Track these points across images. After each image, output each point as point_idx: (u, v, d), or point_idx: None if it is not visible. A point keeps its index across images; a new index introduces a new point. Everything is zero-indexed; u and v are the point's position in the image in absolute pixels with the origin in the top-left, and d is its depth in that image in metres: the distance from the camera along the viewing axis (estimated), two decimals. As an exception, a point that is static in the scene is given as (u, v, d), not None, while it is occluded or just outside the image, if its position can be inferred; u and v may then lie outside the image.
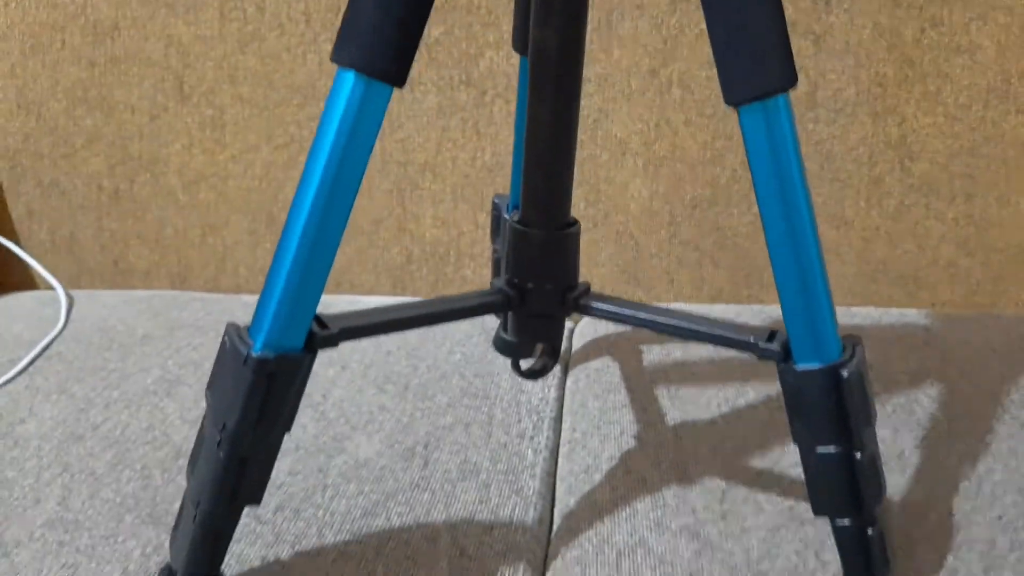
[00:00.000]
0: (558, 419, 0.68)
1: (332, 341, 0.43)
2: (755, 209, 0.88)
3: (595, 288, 0.87)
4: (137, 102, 0.88)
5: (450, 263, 0.89)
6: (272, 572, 0.49)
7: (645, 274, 0.87)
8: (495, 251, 0.69)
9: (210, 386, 0.43)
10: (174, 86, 0.88)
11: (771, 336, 0.45)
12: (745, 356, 0.73)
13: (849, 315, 0.79)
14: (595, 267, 0.87)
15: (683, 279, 0.87)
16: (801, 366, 0.43)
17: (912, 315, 0.78)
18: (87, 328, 0.77)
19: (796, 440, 0.45)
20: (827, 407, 0.43)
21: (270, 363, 0.41)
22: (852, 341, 0.44)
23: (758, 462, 0.59)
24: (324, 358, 0.72)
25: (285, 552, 0.51)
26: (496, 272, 0.73)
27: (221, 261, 0.92)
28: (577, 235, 0.50)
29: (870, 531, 0.45)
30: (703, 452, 0.60)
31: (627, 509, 0.56)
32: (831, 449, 0.44)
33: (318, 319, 0.43)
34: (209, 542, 0.43)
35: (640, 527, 0.54)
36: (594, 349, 0.76)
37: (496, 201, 0.67)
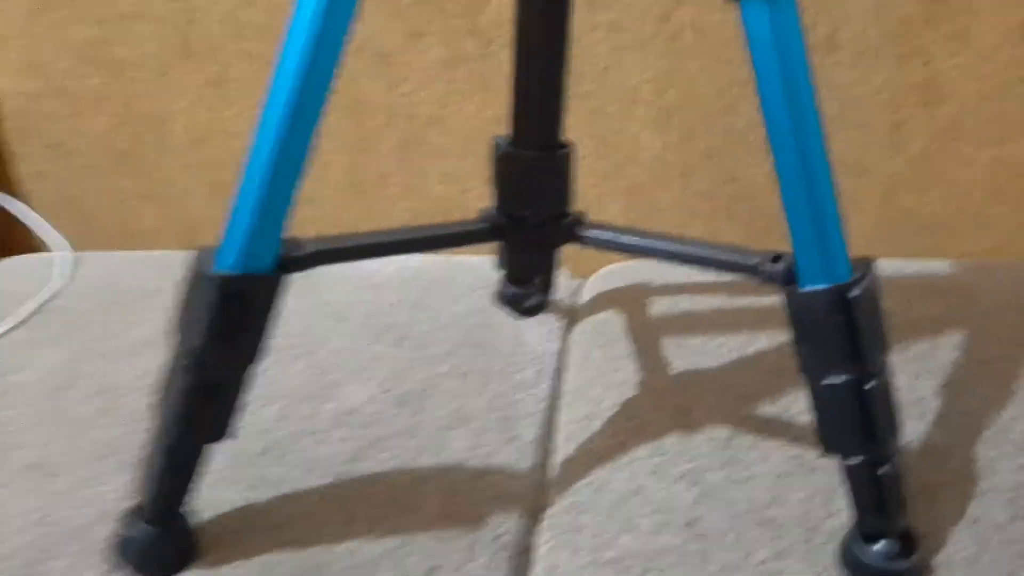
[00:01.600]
0: (560, 370, 0.65)
1: (304, 263, 0.41)
2: (771, 158, 0.85)
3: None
4: (143, 60, 0.87)
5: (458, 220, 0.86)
6: (249, 515, 0.47)
7: (657, 227, 0.83)
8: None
9: (177, 312, 0.41)
10: (180, 43, 0.87)
11: (776, 258, 0.42)
12: (758, 303, 0.70)
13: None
14: (607, 219, 0.84)
15: (697, 233, 0.83)
16: (807, 288, 0.40)
17: (936, 265, 0.74)
18: (91, 285, 0.77)
19: (803, 371, 0.42)
20: (835, 332, 0.40)
21: (236, 281, 0.39)
22: (864, 262, 0.41)
23: (766, 410, 0.56)
24: (321, 309, 0.70)
25: (265, 495, 0.49)
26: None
27: (226, 221, 0.91)
28: (569, 157, 0.47)
29: (884, 470, 0.42)
30: (708, 399, 0.58)
31: (626, 456, 0.53)
32: (840, 378, 0.41)
33: (291, 241, 0.41)
34: (173, 477, 0.41)
35: (639, 473, 0.52)
36: (603, 302, 0.73)
37: (498, 141, 0.64)
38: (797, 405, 0.56)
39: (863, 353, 0.40)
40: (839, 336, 0.40)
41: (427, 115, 0.84)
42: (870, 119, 0.79)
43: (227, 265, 0.39)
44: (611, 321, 0.69)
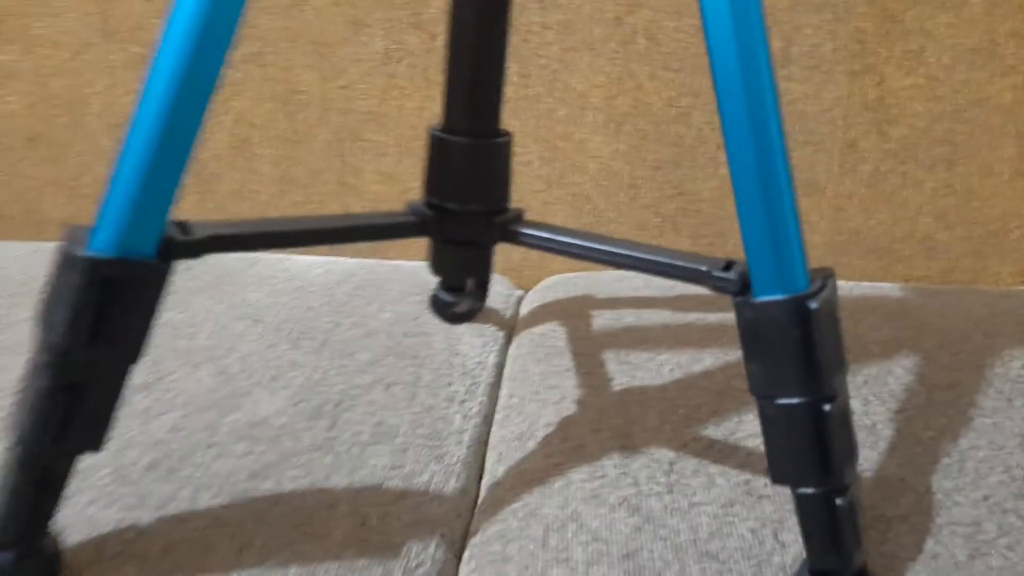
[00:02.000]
0: (495, 385, 0.61)
1: (194, 250, 0.36)
2: (722, 172, 0.82)
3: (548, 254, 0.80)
4: (59, 37, 0.81)
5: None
6: (128, 538, 0.41)
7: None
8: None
9: (42, 300, 0.35)
10: (99, 20, 0.81)
11: (728, 266, 0.38)
12: (703, 320, 0.67)
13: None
14: (549, 230, 0.80)
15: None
16: (761, 298, 0.36)
17: (886, 287, 0.72)
18: (-19, 277, 0.69)
19: (753, 391, 0.38)
20: (791, 347, 0.36)
21: (107, 267, 0.33)
22: (823, 273, 0.38)
23: (712, 432, 0.52)
24: (235, 311, 0.65)
25: (148, 516, 0.43)
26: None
27: (142, 214, 0.84)
28: (507, 148, 0.43)
29: (839, 501, 0.38)
30: (650, 420, 0.53)
31: (561, 479, 0.49)
32: (795, 399, 0.37)
33: (179, 225, 0.36)
34: (33, 493, 0.35)
35: (574, 499, 0.47)
36: (543, 314, 0.69)
37: (432, 129, 0.59)
38: (744, 427, 0.52)
39: (821, 372, 0.36)
40: (796, 352, 0.36)
41: (365, 110, 0.80)
42: (823, 136, 0.77)
43: (100, 247, 0.33)
44: (551, 334, 0.65)
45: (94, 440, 0.35)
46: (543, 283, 0.77)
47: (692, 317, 0.66)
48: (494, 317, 0.68)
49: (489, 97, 0.41)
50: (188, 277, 0.71)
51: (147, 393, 0.53)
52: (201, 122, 0.35)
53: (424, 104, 0.79)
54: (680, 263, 0.39)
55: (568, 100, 0.78)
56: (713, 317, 0.66)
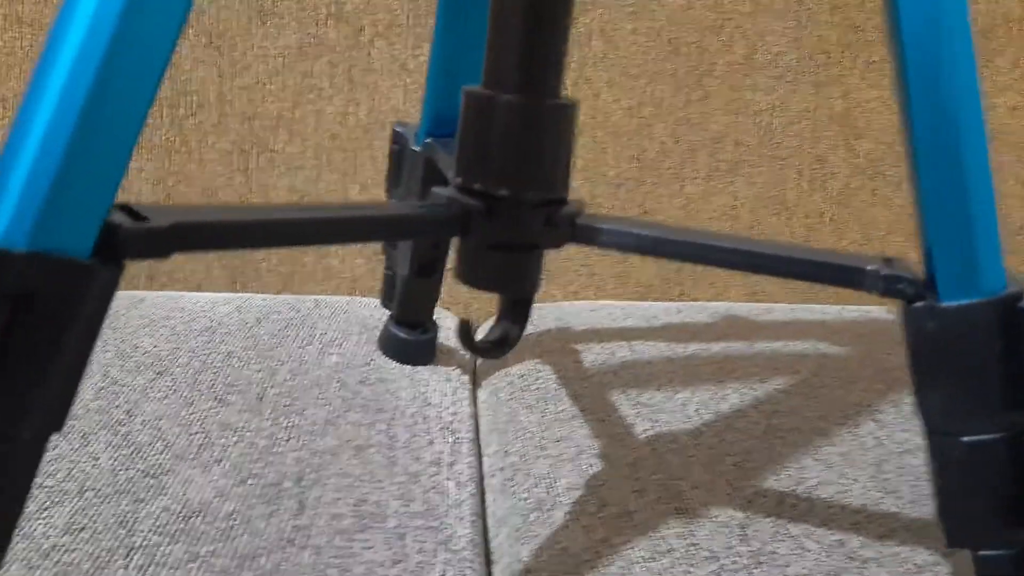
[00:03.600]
0: (475, 441, 0.49)
1: (155, 245, 0.22)
2: (687, 190, 0.74)
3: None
4: None
5: (309, 251, 0.68)
6: None
7: (559, 266, 0.70)
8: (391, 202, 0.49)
9: None
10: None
11: (888, 262, 0.29)
12: (708, 350, 0.58)
13: (806, 312, 0.66)
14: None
15: (604, 273, 0.71)
16: (951, 302, 0.27)
17: (875, 311, 0.67)
18: None
19: (928, 424, 0.29)
20: (993, 365, 0.27)
21: (11, 266, 0.19)
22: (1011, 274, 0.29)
23: (774, 484, 0.43)
24: (126, 360, 0.49)
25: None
26: (390, 270, 0.53)
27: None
28: (575, 116, 0.32)
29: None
30: (697, 473, 0.43)
31: (618, 561, 0.37)
32: (993, 435, 0.28)
33: (127, 209, 0.22)
34: None
35: (643, 585, 0.36)
36: (511, 353, 0.57)
37: (399, 130, 0.47)
38: (809, 475, 0.43)
39: (1024, 398, 0.28)
40: (999, 371, 0.27)
41: (273, 115, 0.66)
42: (791, 151, 0.71)
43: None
44: (534, 375, 0.53)
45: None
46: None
47: (693, 349, 0.57)
48: (453, 357, 0.56)
49: (554, 45, 0.31)
50: (50, 321, 0.54)
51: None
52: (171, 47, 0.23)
53: (347, 108, 0.67)
54: (828, 261, 0.29)
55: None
56: (717, 347, 0.57)
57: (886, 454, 0.45)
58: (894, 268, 0.29)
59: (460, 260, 0.32)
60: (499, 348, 0.34)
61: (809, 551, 0.38)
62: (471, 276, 0.32)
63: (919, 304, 0.28)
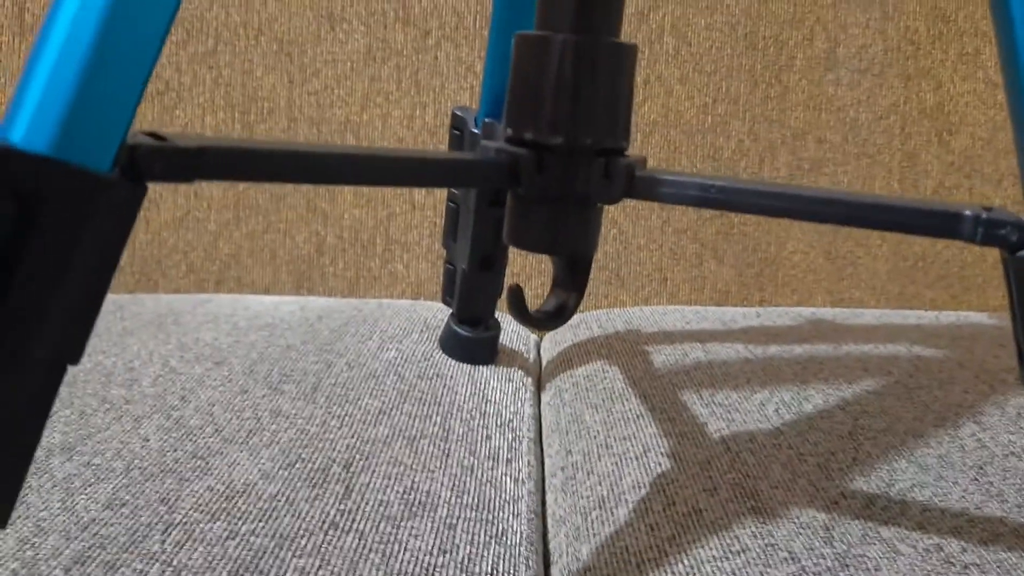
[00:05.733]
0: (537, 441, 0.46)
1: (181, 167, 0.21)
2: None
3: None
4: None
5: (375, 254, 0.67)
6: None
7: (631, 270, 0.67)
8: (450, 204, 0.48)
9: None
10: (14, 15, 0.66)
11: (988, 210, 0.26)
12: (791, 352, 0.54)
13: (898, 317, 0.61)
14: (567, 261, 0.67)
15: (678, 278, 0.68)
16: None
17: (974, 316, 0.61)
18: None
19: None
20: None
21: (27, 167, 0.18)
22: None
23: (862, 485, 0.39)
24: (186, 352, 0.48)
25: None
26: (450, 264, 0.52)
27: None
28: (635, 57, 0.30)
29: None
30: (776, 473, 0.40)
31: (685, 559, 0.34)
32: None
33: (150, 134, 0.21)
34: None
35: (713, 585, 0.33)
36: (579, 355, 0.55)
37: (459, 114, 0.46)
38: (902, 477, 0.39)
39: None
40: None
41: (341, 119, 0.66)
42: (879, 147, 0.67)
43: (20, 135, 0.18)
44: (600, 376, 0.51)
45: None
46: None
47: (774, 350, 0.53)
48: (516, 359, 0.54)
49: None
50: (118, 316, 0.54)
51: (68, 456, 0.36)
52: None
53: (414, 112, 0.66)
54: (918, 207, 0.26)
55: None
56: (799, 349, 0.54)
57: (989, 457, 0.41)
58: (995, 214, 0.25)
59: (509, 219, 0.30)
60: (556, 319, 0.32)
61: (902, 555, 0.34)
62: (521, 236, 0.30)
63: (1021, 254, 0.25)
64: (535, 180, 0.28)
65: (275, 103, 0.66)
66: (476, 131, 0.44)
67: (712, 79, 0.67)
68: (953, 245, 0.68)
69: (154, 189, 0.66)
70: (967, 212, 0.25)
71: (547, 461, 0.45)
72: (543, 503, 0.42)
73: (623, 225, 0.67)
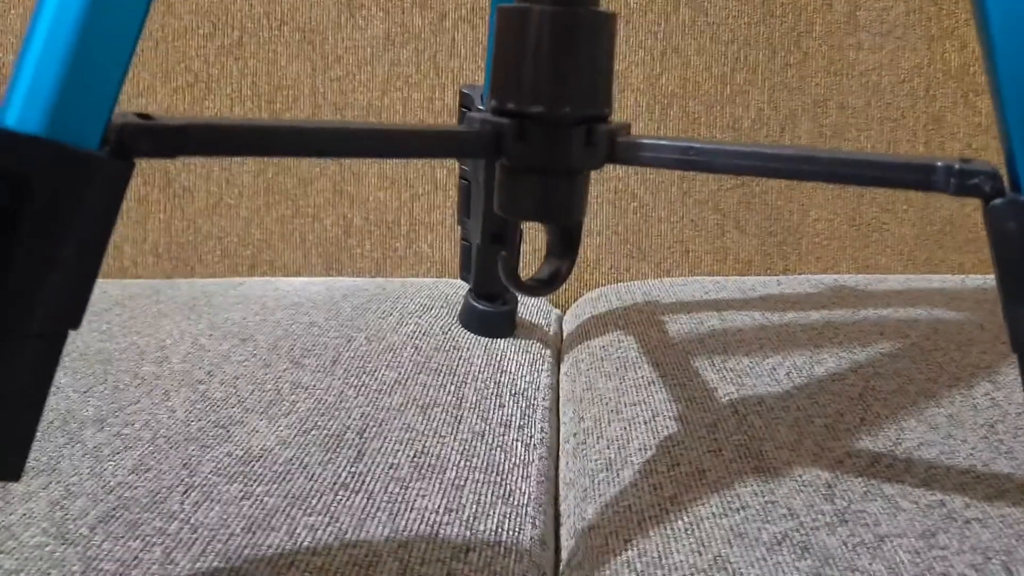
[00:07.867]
0: (553, 411, 0.47)
1: (166, 143, 0.22)
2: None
3: (588, 263, 0.67)
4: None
5: (400, 235, 0.69)
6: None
7: (652, 243, 0.68)
8: (462, 180, 0.49)
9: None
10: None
11: (965, 161, 0.26)
12: (807, 318, 0.54)
13: (923, 282, 0.60)
14: (587, 235, 0.68)
15: (701, 249, 0.68)
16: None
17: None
18: None
19: (1017, 343, 0.26)
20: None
21: (22, 148, 0.20)
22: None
23: (868, 444, 0.39)
24: (215, 330, 0.51)
25: (97, 589, 0.28)
26: (465, 240, 0.53)
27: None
28: (614, 26, 0.30)
29: None
30: (782, 434, 0.40)
31: (685, 516, 0.35)
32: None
33: (137, 114, 0.23)
34: None
35: (712, 540, 0.33)
36: (597, 326, 0.56)
37: (466, 92, 0.47)
38: (909, 436, 0.39)
39: None
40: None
41: (363, 104, 0.68)
42: (903, 110, 0.66)
43: (14, 118, 0.20)
44: (616, 345, 0.52)
45: (12, 467, 0.21)
46: (585, 296, 0.64)
47: (790, 317, 0.53)
48: (536, 332, 0.55)
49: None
50: (154, 300, 0.57)
51: (99, 428, 0.39)
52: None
53: (434, 94, 0.67)
54: (890, 162, 0.26)
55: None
56: (817, 315, 0.53)
57: (1001, 415, 0.41)
58: (969, 165, 0.26)
59: (497, 189, 0.31)
60: (548, 286, 0.33)
61: (903, 510, 0.34)
62: (509, 205, 0.31)
63: (999, 201, 0.25)
64: (518, 149, 0.29)
65: (299, 90, 0.68)
66: (482, 108, 0.45)
67: (730, 48, 0.66)
68: (973, 213, 0.67)
69: (187, 177, 0.68)
70: (939, 163, 0.26)
71: (561, 428, 0.46)
72: (557, 471, 0.43)
73: (643, 198, 0.67)
